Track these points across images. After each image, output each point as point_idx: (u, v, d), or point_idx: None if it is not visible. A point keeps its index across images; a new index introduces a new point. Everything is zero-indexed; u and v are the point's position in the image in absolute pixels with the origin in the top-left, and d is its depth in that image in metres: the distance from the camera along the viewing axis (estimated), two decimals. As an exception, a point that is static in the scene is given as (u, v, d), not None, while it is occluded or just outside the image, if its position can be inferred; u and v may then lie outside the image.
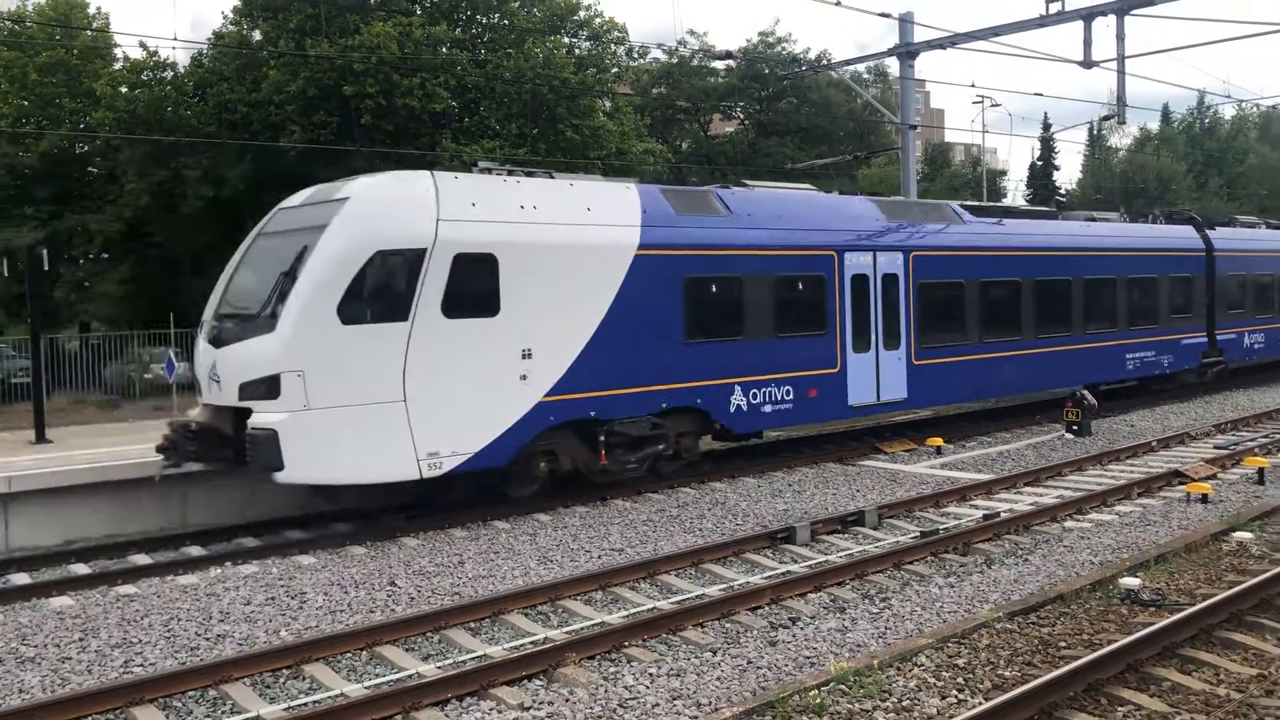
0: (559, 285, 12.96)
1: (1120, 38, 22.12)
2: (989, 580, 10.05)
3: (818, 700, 7.00)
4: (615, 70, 39.65)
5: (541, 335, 12.80)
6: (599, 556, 11.30)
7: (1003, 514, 12.44)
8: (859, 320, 16.52)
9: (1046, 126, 69.59)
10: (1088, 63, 22.41)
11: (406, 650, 8.55)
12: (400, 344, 11.70)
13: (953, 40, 24.48)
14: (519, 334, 12.59)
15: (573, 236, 13.20)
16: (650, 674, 7.81)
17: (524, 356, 12.68)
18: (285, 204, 13.23)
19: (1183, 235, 24.51)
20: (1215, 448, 17.02)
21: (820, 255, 16.11)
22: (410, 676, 7.94)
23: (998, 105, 58.51)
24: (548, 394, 12.90)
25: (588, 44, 38.34)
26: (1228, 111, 71.52)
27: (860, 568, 10.33)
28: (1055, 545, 11.30)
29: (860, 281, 16.62)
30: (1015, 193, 71.77)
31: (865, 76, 50.50)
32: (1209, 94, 68.16)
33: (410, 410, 11.75)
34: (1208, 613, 8.35)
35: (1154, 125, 71.95)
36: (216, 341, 12.11)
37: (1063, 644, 8.15)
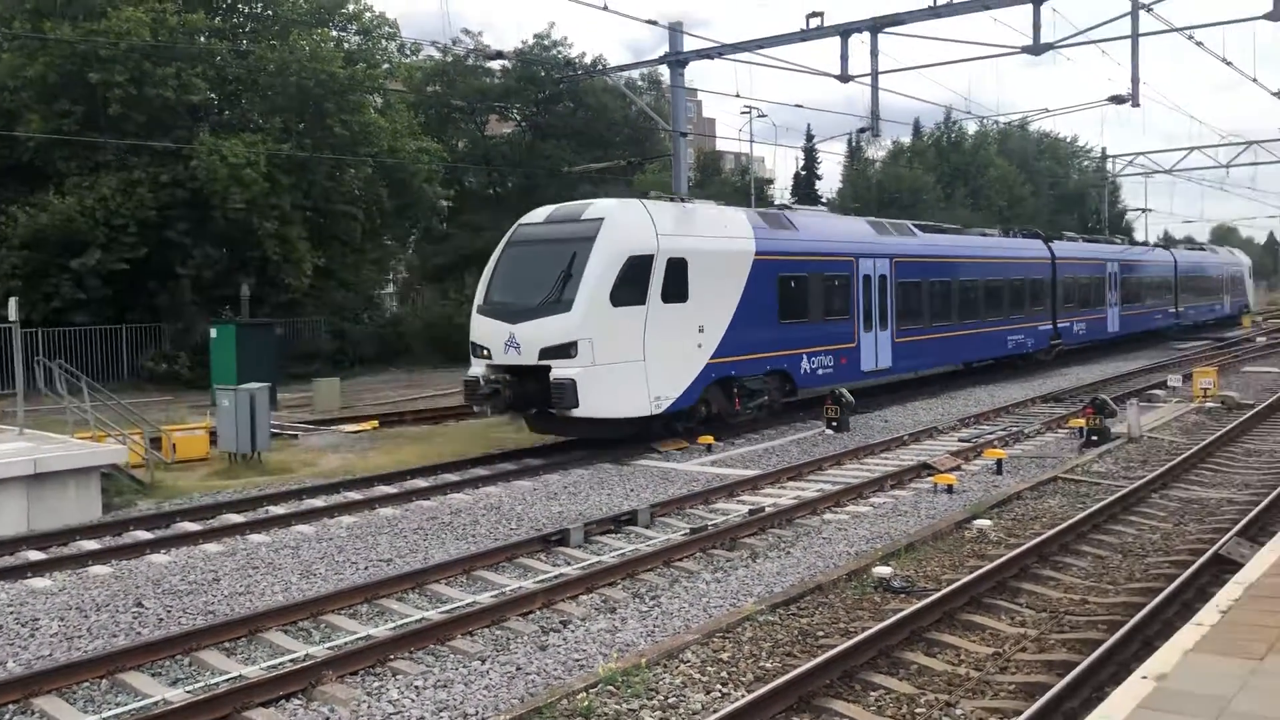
0: (717, 281, 18.30)
1: (874, 54, 23.34)
2: (754, 574, 10.36)
3: (585, 703, 7.00)
4: (387, 66, 38.74)
5: (708, 316, 18.09)
6: (366, 568, 10.94)
7: (768, 509, 12.86)
8: (866, 308, 22.54)
9: (809, 137, 72.89)
10: (845, 77, 23.54)
11: (153, 676, 8.00)
12: (641, 320, 16.76)
13: (720, 50, 25.18)
14: (698, 315, 17.86)
15: (723, 246, 18.70)
16: (416, 687, 7.61)
17: (699, 331, 17.97)
18: (527, 221, 18.17)
19: (1037, 247, 31.60)
20: (959, 441, 18.22)
21: (846, 260, 22.09)
22: (156, 703, 7.42)
23: (764, 116, 60.79)
24: (711, 358, 18.21)
25: (357, 38, 37.29)
26: (971, 127, 77.05)
27: (631, 567, 10.44)
28: (815, 537, 11.77)
29: (867, 280, 22.61)
30: (782, 200, 74.62)
31: (640, 84, 51.35)
32: (955, 110, 73.11)
33: (647, 367, 16.82)
34: (951, 597, 8.89)
35: (906, 138, 76.60)
36: (511, 320, 16.57)
37: (820, 633, 8.48)
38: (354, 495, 14.64)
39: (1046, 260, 31.28)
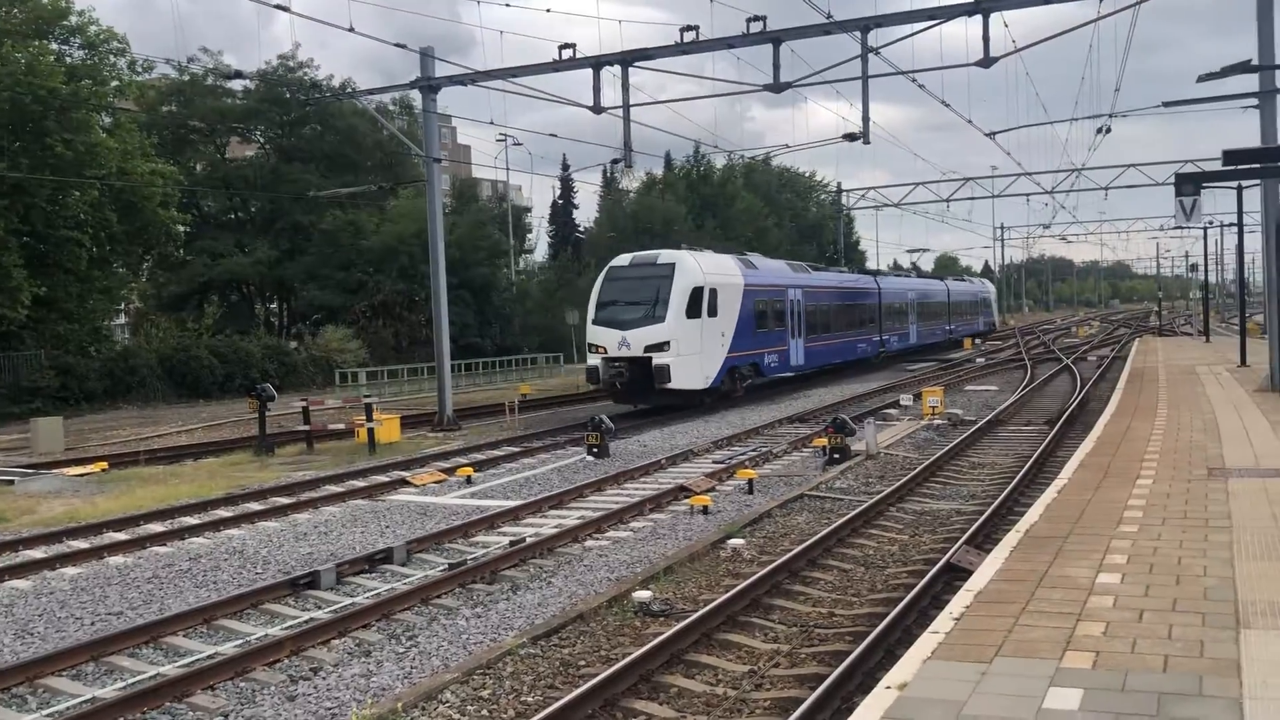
0: (730, 303, 27.72)
1: (625, 87, 23.85)
2: (515, 606, 10.21)
3: (338, 755, 6.63)
4: (116, 84, 36.30)
5: (725, 326, 27.47)
6: (93, 623, 10.04)
7: (529, 539, 12.74)
8: (793, 323, 32.35)
9: (565, 166, 73.77)
10: (598, 108, 23.94)
11: None
12: (699, 328, 26.10)
13: (473, 78, 25.04)
14: (722, 325, 27.30)
15: (731, 280, 28.30)
16: (148, 752, 6.99)
17: (722, 335, 27.33)
18: (616, 264, 27.93)
19: (869, 280, 43.19)
20: (714, 463, 18.74)
21: (782, 289, 32.07)
22: None
23: (520, 144, 61.04)
24: (728, 354, 27.69)
25: (81, 53, 34.73)
26: (719, 161, 80.00)
27: (387, 607, 10.06)
28: (577, 565, 11.75)
29: (793, 303, 32.49)
30: (540, 228, 74.93)
31: (392, 108, 50.43)
32: (703, 144, 75.85)
33: (701, 358, 26.24)
34: (708, 618, 9.05)
35: (659, 170, 78.73)
36: (623, 328, 25.95)
37: (583, 663, 8.43)
38: (79, 544, 13.46)
39: (875, 290, 42.64)
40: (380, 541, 13.11)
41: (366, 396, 24.46)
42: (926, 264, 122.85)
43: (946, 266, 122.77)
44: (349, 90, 43.28)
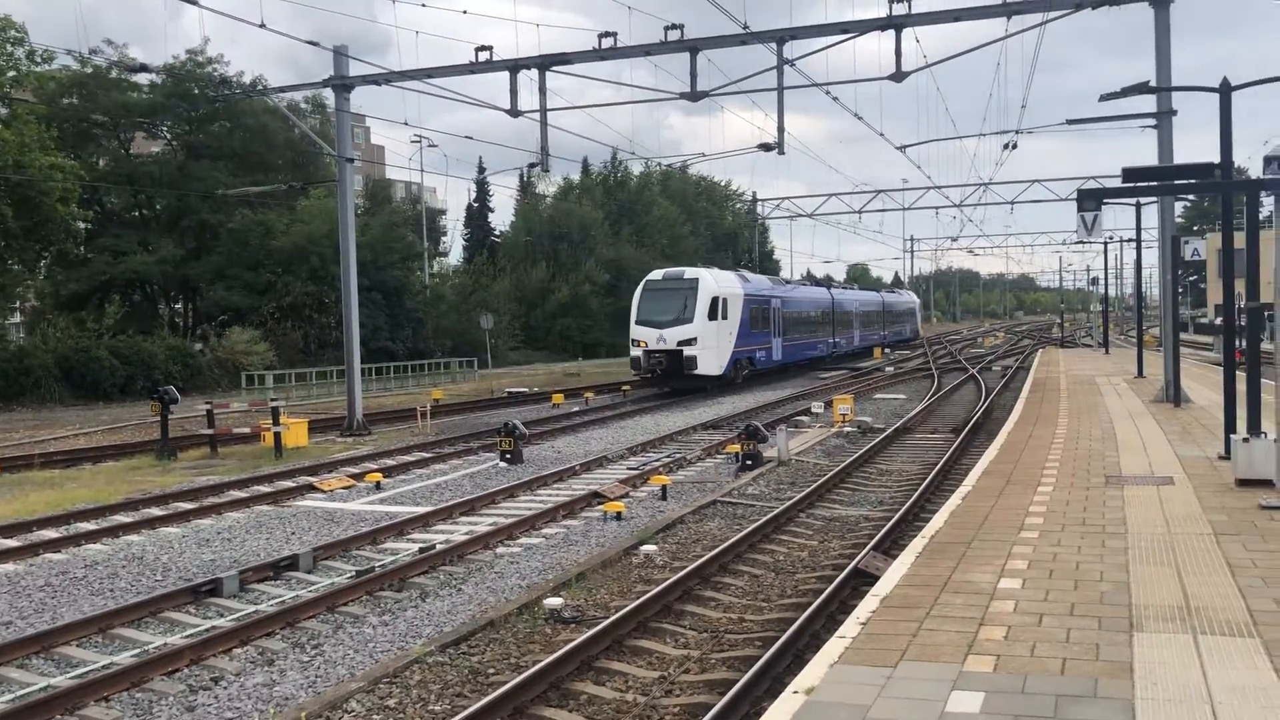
0: (735, 309, 35.38)
1: (543, 91, 23.80)
2: (423, 614, 10.08)
3: (238, 767, 6.46)
4: (13, 74, 35.06)
5: (732, 327, 35.04)
6: (-22, 634, 9.63)
7: (439, 545, 12.60)
8: (776, 326, 40.42)
9: (481, 169, 73.25)
10: (514, 111, 23.84)
11: None
12: (716, 328, 34.06)
13: (387, 78, 24.75)
14: (730, 326, 34.89)
15: (736, 291, 36.13)
16: (37, 767, 6.73)
17: (730, 334, 34.92)
18: (651, 278, 35.92)
19: (824, 292, 52.49)
20: (628, 469, 18.76)
21: (767, 298, 39.91)
22: None
23: (435, 145, 60.54)
24: (733, 349, 35.13)
25: (-24, 40, 33.51)
26: (636, 168, 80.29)
27: (292, 615, 9.84)
28: (488, 572, 11.65)
29: (776, 310, 40.86)
30: (454, 232, 74.37)
31: (304, 106, 49.55)
32: (620, 151, 75.97)
33: (718, 351, 34.14)
34: (619, 624, 9.04)
35: (576, 175, 78.70)
36: (660, 327, 33.75)
37: (492, 671, 8.36)
38: (-35, 552, 12.90)
39: (829, 300, 51.25)
40: (286, 548, 12.84)
41: (273, 400, 23.99)
42: (838, 274, 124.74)
43: (858, 278, 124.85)
44: (260, 87, 42.41)
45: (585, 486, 16.83)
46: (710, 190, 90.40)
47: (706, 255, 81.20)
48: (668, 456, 20.17)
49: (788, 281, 50.18)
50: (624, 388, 36.67)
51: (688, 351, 33.64)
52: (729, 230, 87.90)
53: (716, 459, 20.03)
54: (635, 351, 34.57)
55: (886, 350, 61.01)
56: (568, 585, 10.75)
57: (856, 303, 58.37)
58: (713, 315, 34.21)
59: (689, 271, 36.31)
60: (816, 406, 27.13)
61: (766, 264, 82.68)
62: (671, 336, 33.82)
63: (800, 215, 72.22)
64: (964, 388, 35.41)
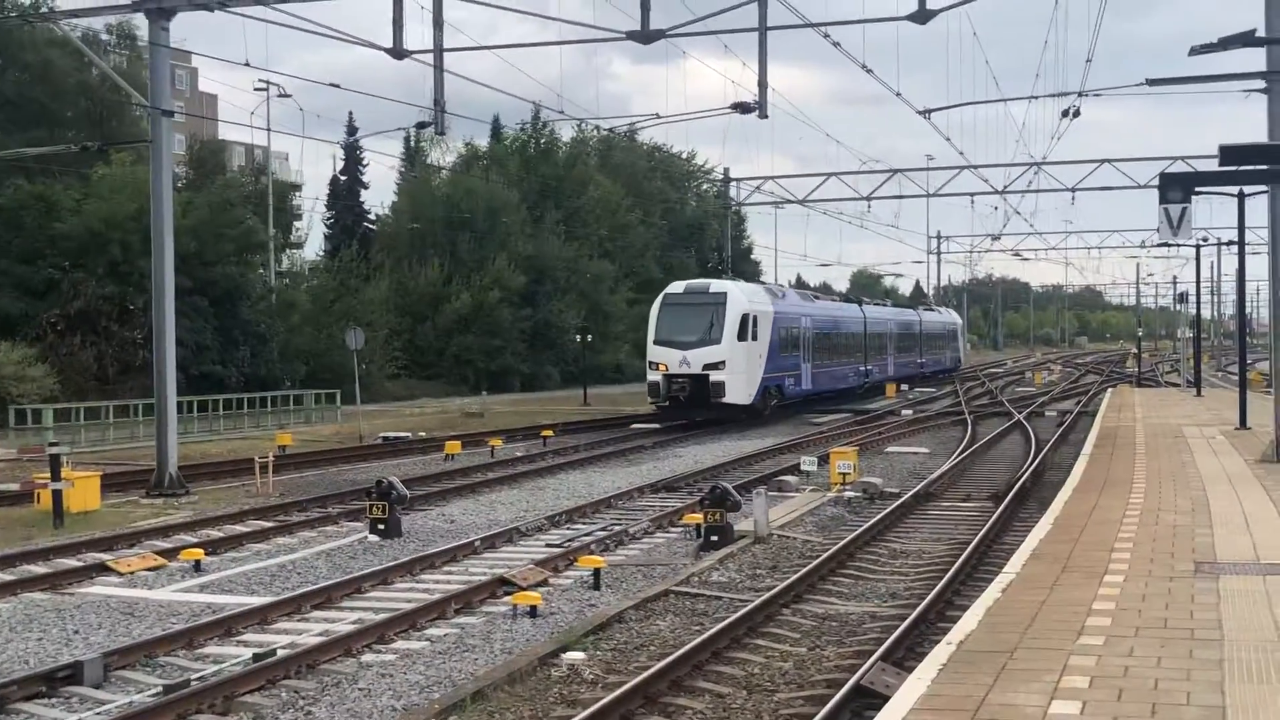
0: (764, 328, 42.39)
1: (438, 23, 23.82)
2: (258, 747, 9.93)
3: None
4: None
5: (762, 350, 42.16)
6: None
7: (280, 651, 12.45)
8: (805, 349, 48.06)
9: (352, 130, 73.02)
10: (398, 51, 23.80)
11: None
12: (746, 350, 40.87)
13: (222, 1, 24.62)
14: (760, 349, 42.01)
15: (765, 308, 43.53)
16: None
17: (760, 358, 42.10)
18: (671, 292, 43.33)
19: (855, 308, 60.57)
20: (548, 546, 18.70)
21: (797, 316, 47.61)
22: None
23: (287, 95, 59.98)
24: (763, 375, 42.38)
25: None
26: (567, 132, 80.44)
27: (71, 748, 9.65)
28: (349, 689, 11.53)
29: (805, 329, 48.86)
30: (313, 214, 73.95)
31: (106, 38, 49.16)
32: (545, 109, 75.90)
33: (748, 376, 41.03)
34: (531, 762, 8.96)
35: (483, 140, 78.72)
36: (683, 348, 40.17)
37: (352, 827, 8.24)
38: None
39: (861, 319, 58.59)
40: (66, 653, 12.63)
41: (54, 445, 23.60)
42: (838, 283, 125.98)
43: (865, 287, 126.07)
44: (44, 10, 42.03)
45: (488, 570, 16.73)
46: (668, 165, 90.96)
47: (660, 253, 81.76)
48: (603, 529, 20.14)
49: (817, 297, 58.55)
50: (544, 433, 36.65)
51: (715, 376, 39.39)
52: (692, 220, 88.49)
53: (670, 533, 20.04)
54: (653, 376, 40.44)
55: (902, 387, 61.78)
56: (460, 708, 10.67)
57: (892, 323, 65.70)
58: (742, 335, 40.18)
59: (715, 284, 43.84)
60: (807, 462, 27.28)
61: (741, 266, 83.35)
62: (696, 359, 39.66)
63: (788, 201, 72.87)
64: (1007, 439, 35.83)
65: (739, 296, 41.10)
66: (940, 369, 76.12)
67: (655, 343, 40.65)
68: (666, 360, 39.82)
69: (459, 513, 22.41)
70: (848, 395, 54.03)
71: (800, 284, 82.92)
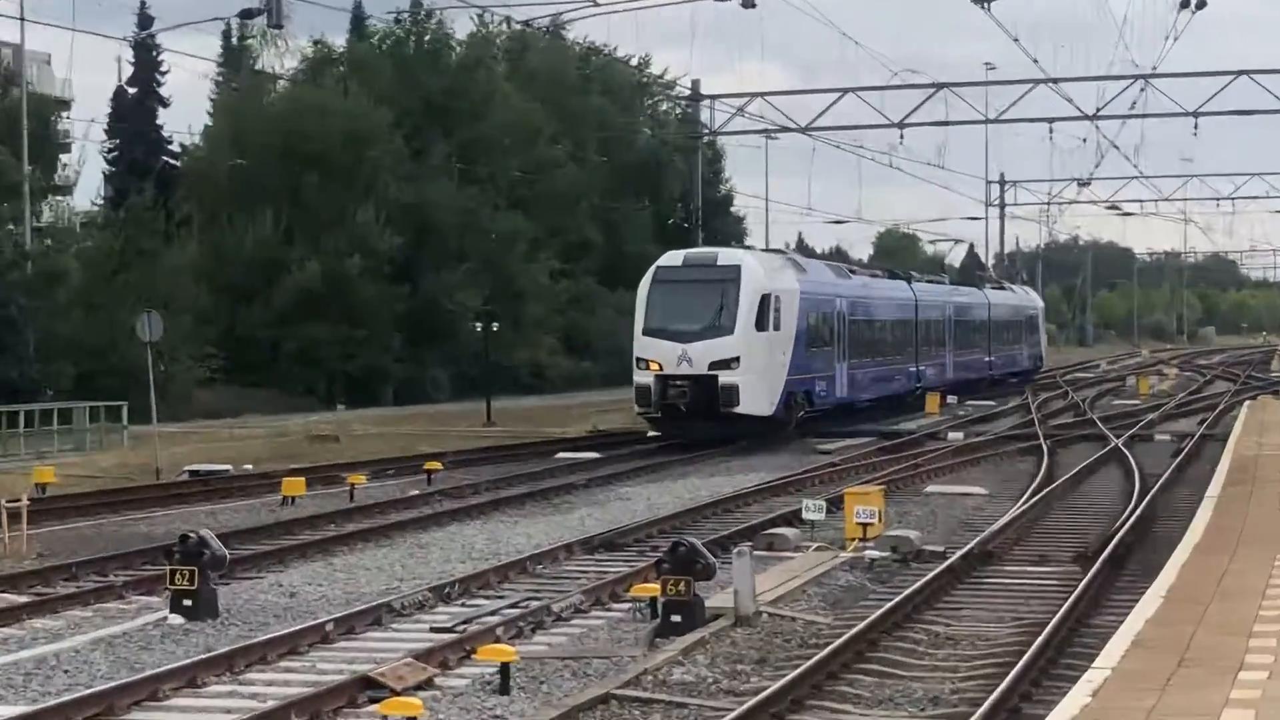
0: (788, 314, 45.57)
1: None
2: None
3: None
4: None
5: (786, 343, 45.20)
6: None
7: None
8: (838, 344, 50.79)
9: (145, 22, 72.55)
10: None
11: None
12: (769, 343, 43.87)
13: None
14: (783, 342, 45.02)
15: (789, 286, 46.65)
16: None
17: (783, 354, 45.00)
18: (665, 264, 46.10)
19: (903, 287, 62.44)
20: (433, 630, 18.61)
21: (831, 298, 51.28)
22: None
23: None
24: (787, 376, 45.03)
25: None
26: (461, 24, 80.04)
27: None
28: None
29: (829, 315, 51.82)
30: (86, 141, 73.28)
31: None
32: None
33: (769, 378, 44.08)
34: None
35: (339, 39, 78.35)
36: (682, 340, 42.56)
37: None
38: None
39: (911, 302, 61.49)
40: None
41: None
42: (860, 249, 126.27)
43: (896, 254, 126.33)
44: None
45: (345, 666, 16.70)
46: (609, 76, 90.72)
47: (599, 205, 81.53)
48: (515, 606, 20.04)
49: (852, 271, 61.03)
50: (429, 466, 36.34)
51: (726, 378, 41.57)
52: (646, 155, 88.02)
53: (612, 611, 20.00)
54: (643, 377, 42.49)
55: (949, 398, 61.83)
56: None
57: (951, 306, 68.58)
58: (761, 323, 42.62)
59: (724, 254, 46.35)
60: (811, 508, 27.24)
61: (716, 223, 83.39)
62: (701, 355, 41.84)
63: (784, 130, 73.18)
64: (1099, 474, 35.99)
65: (756, 270, 42.98)
66: (1014, 370, 78.77)
67: (645, 333, 42.58)
68: (660, 357, 41.66)
69: (302, 582, 22.25)
70: (896, 405, 56.63)
71: (804, 248, 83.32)
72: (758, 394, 41.07)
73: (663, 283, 43.46)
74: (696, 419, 40.83)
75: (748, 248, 49.00)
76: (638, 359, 42.24)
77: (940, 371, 63.65)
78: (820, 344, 47.50)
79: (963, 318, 69.34)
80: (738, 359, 40.81)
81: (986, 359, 73.39)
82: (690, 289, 42.83)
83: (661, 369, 41.01)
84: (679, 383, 40.71)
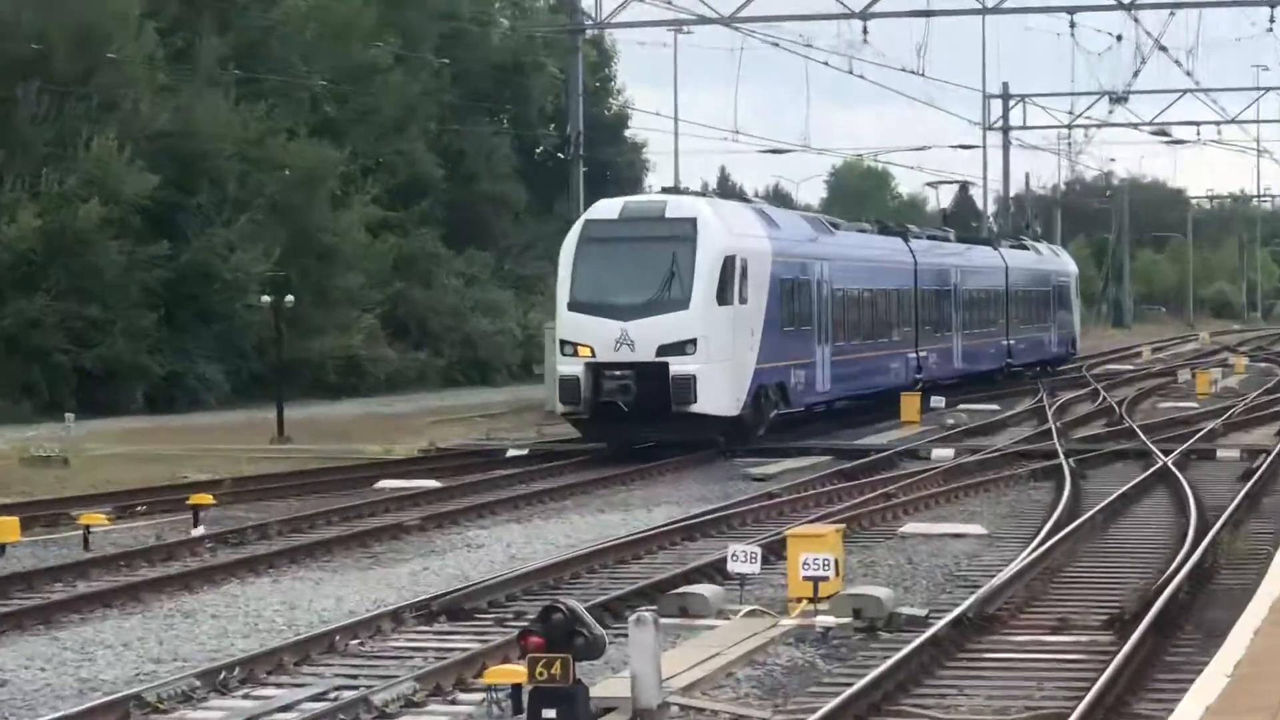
0: (757, 284, 49.27)
1: None
2: None
3: None
4: None
5: (755, 320, 49.44)
6: None
7: None
8: (818, 322, 54.88)
9: None
10: None
11: None
12: (732, 319, 47.69)
13: None
14: (752, 317, 49.28)
15: (758, 245, 50.55)
16: None
17: (752, 334, 49.30)
18: (597, 215, 50.09)
19: (899, 244, 67.70)
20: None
21: (808, 261, 56.27)
22: None
23: None
24: (756, 364, 49.18)
25: None
26: None
27: None
28: None
29: (807, 285, 56.24)
30: None
31: None
32: None
33: (734, 367, 47.78)
34: None
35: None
36: (622, 317, 45.74)
37: None
38: None
39: (910, 265, 65.10)
40: None
41: None
42: (808, 189, 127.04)
43: (852, 198, 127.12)
44: None
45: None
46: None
47: (439, 126, 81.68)
48: (318, 698, 20.06)
49: (835, 226, 63.11)
50: (195, 500, 36.26)
51: (679, 367, 43.71)
52: (503, 57, 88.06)
53: (459, 706, 20.06)
54: (568, 367, 44.67)
55: (934, 399, 62.01)
56: None
57: (959, 271, 69.80)
58: (724, 294, 44.76)
59: (674, 203, 47.53)
60: (740, 557, 27.35)
61: (601, 153, 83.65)
62: (646, 337, 44.03)
63: (702, 20, 73.49)
64: (1140, 505, 36.43)
65: (716, 225, 44.08)
66: (1041, 358, 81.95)
67: (571, 308, 45.39)
68: (592, 340, 43.78)
69: (16, 665, 22.18)
70: (891, 401, 57.50)
71: (728, 189, 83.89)
72: (720, 387, 42.34)
73: (594, 240, 45.02)
74: (642, 421, 41.60)
75: (701, 193, 49.43)
76: (562, 342, 43.46)
77: (945, 359, 66.36)
78: (798, 322, 49.30)
79: (974, 286, 71.13)
80: (694, 341, 42.28)
81: (1005, 342, 75.48)
82: (631, 249, 44.51)
83: (594, 355, 42.63)
84: (617, 373, 41.94)
